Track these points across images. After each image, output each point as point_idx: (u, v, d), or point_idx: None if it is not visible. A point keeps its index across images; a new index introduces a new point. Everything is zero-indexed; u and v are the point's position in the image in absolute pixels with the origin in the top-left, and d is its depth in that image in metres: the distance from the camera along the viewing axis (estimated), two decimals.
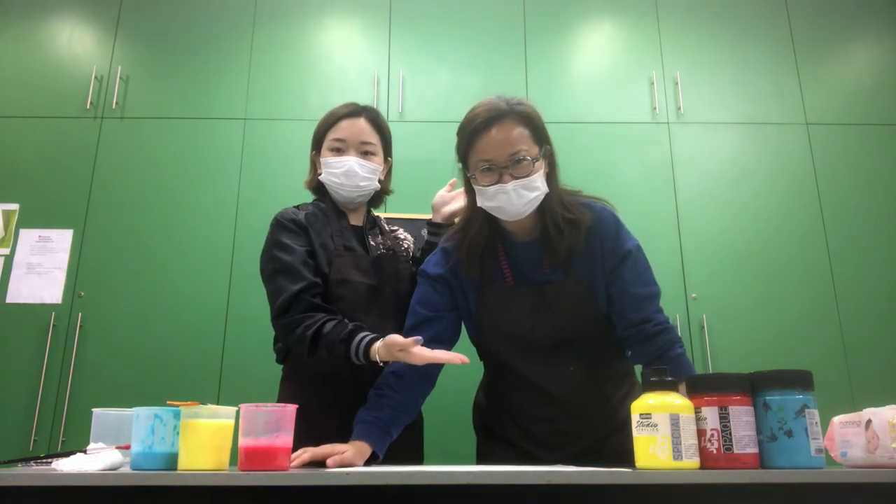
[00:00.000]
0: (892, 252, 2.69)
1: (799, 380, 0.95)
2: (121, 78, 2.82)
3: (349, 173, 1.53)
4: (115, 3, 2.93)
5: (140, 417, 1.01)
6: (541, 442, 1.37)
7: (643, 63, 2.91)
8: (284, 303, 1.38)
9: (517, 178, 1.29)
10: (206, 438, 0.97)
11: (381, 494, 0.90)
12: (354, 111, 1.58)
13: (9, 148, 2.74)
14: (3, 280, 2.58)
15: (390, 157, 1.66)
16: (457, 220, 1.53)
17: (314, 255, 1.47)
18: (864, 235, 2.71)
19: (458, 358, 1.20)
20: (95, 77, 2.81)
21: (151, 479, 0.88)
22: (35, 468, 1.09)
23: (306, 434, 1.22)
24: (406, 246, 1.66)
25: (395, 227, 1.72)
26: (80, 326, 2.52)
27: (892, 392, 2.42)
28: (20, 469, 1.08)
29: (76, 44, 2.89)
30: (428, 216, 1.72)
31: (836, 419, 1.08)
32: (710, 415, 0.94)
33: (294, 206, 1.59)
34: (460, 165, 1.39)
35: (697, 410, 0.95)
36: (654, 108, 2.84)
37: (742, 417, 0.93)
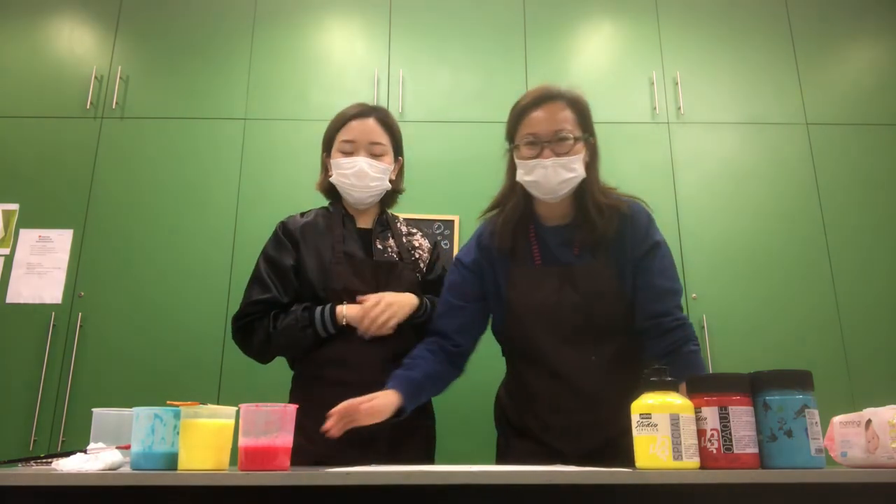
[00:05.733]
0: (892, 252, 2.69)
1: (799, 380, 0.95)
2: (121, 78, 2.82)
3: (359, 174, 1.54)
4: (115, 3, 2.93)
5: (140, 417, 1.00)
6: (560, 433, 1.38)
7: (643, 63, 2.91)
8: (244, 308, 1.49)
9: (558, 154, 1.37)
10: (206, 438, 0.97)
11: (380, 494, 0.89)
12: (364, 111, 1.59)
13: (9, 148, 2.74)
14: (3, 280, 2.58)
15: (401, 156, 1.67)
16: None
17: (298, 270, 1.51)
18: (864, 235, 2.71)
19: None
20: (95, 77, 2.81)
21: (151, 479, 0.87)
22: (35, 468, 1.09)
23: (314, 437, 1.21)
24: (417, 256, 1.63)
25: (415, 231, 1.71)
26: (80, 326, 2.52)
27: (892, 392, 2.42)
28: (20, 469, 1.07)
29: (76, 44, 2.89)
30: (427, 216, 1.72)
31: (836, 419, 1.08)
32: (710, 415, 0.94)
33: (300, 214, 1.61)
34: (507, 145, 1.47)
35: (697, 410, 0.95)
36: (654, 109, 2.84)
37: (742, 417, 0.93)
